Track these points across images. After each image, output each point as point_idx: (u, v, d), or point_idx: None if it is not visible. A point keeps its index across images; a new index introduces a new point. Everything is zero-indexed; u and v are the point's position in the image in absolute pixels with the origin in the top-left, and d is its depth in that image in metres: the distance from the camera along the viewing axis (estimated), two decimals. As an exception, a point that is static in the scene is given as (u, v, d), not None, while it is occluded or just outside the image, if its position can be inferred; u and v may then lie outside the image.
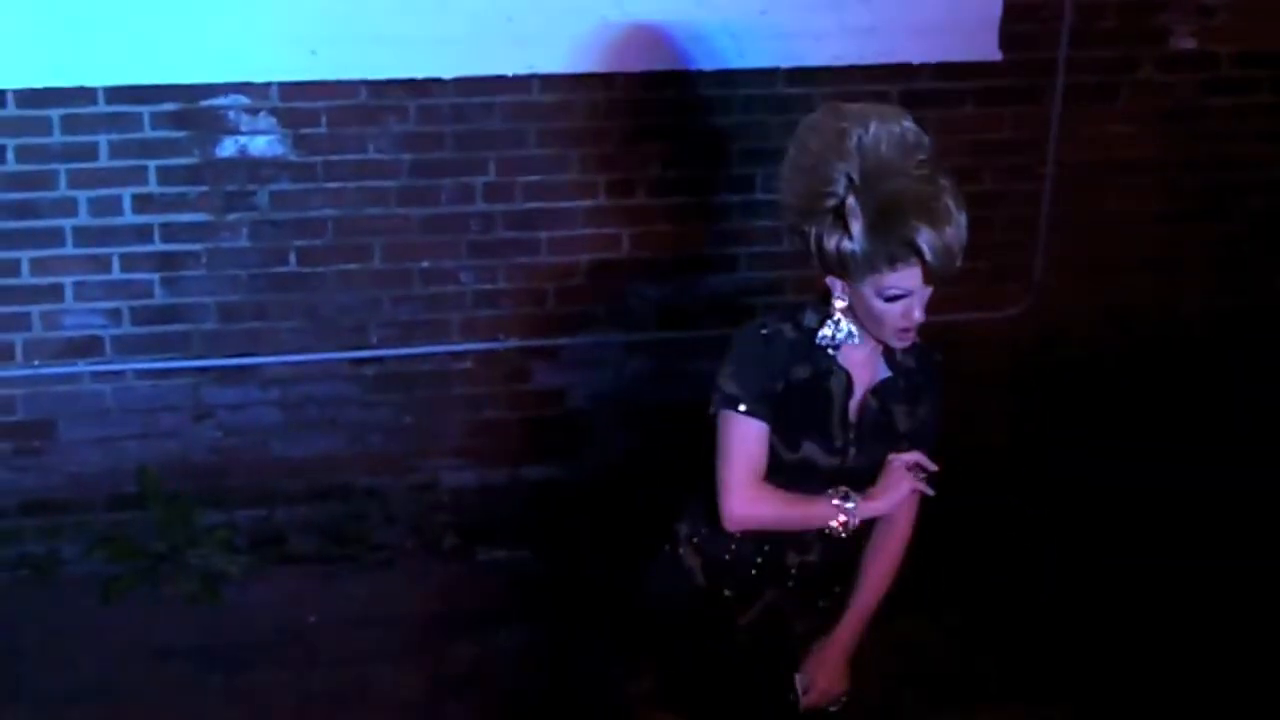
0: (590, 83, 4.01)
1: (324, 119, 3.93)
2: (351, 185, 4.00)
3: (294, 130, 3.93)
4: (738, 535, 2.48)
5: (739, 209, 4.20)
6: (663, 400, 4.24)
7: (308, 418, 4.15)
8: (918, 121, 2.24)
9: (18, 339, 3.95)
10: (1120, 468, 4.22)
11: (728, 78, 4.06)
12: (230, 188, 3.94)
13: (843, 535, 2.41)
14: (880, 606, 2.59)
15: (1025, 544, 4.12)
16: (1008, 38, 4.14)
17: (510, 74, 3.97)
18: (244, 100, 3.89)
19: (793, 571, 2.52)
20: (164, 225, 3.94)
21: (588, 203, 4.12)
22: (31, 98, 3.78)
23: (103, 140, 3.84)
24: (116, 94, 3.81)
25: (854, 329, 2.33)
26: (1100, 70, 4.26)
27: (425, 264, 4.09)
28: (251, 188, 3.96)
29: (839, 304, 2.32)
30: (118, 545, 4.04)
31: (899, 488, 2.40)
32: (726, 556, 2.52)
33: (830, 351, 2.37)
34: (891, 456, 2.42)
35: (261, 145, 3.94)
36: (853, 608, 2.56)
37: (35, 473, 4.05)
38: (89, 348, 3.99)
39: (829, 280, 2.31)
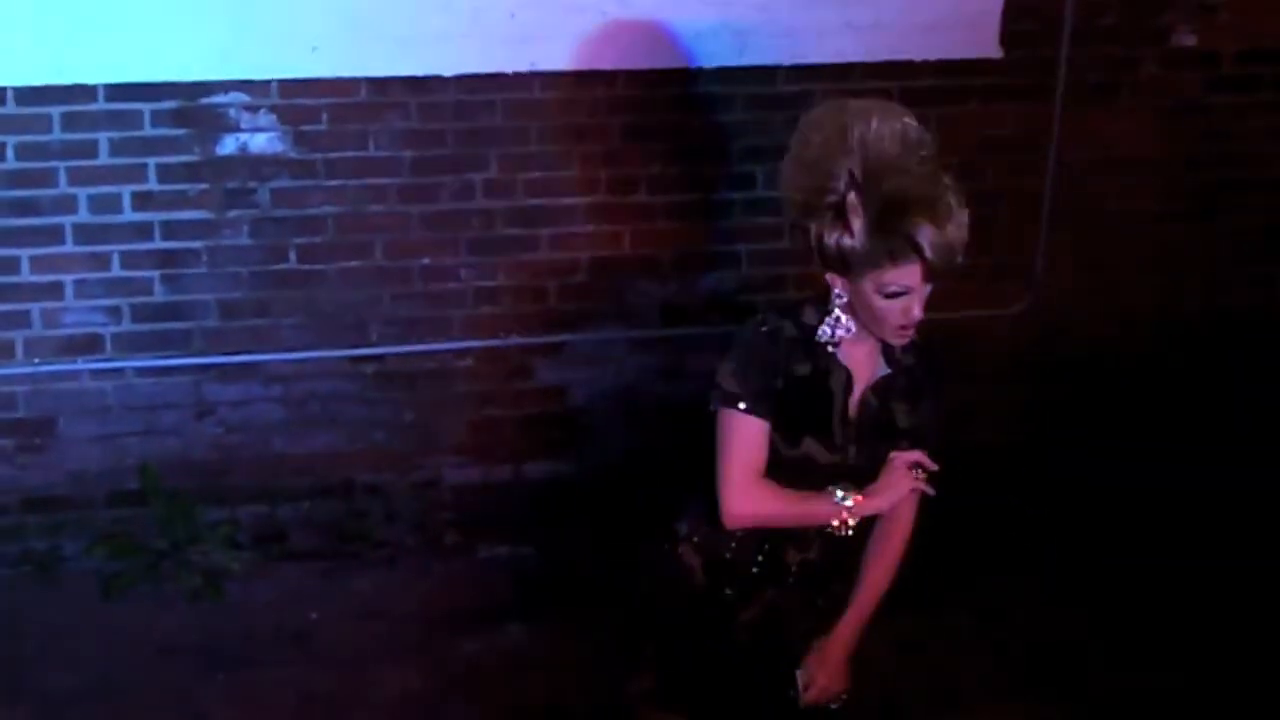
0: (591, 80, 4.00)
1: (325, 116, 3.93)
2: (352, 182, 4.00)
3: (294, 127, 3.93)
4: (738, 533, 2.48)
5: (740, 206, 4.20)
6: (664, 397, 4.25)
7: (309, 415, 4.15)
8: (919, 119, 2.24)
9: (18, 336, 3.95)
10: (1120, 468, 4.22)
11: (729, 75, 4.06)
12: (231, 185, 3.94)
13: (842, 533, 2.41)
14: (880, 605, 2.59)
15: (1025, 544, 4.12)
16: (1009, 35, 4.14)
17: (511, 71, 3.96)
18: (244, 97, 3.89)
19: (793, 570, 2.52)
20: (164, 223, 3.94)
21: (589, 200, 4.12)
22: (31, 95, 3.77)
23: (103, 138, 3.84)
24: (116, 91, 3.81)
25: (854, 326, 2.33)
26: (1102, 68, 4.26)
27: (426, 261, 4.09)
28: (252, 185, 3.96)
29: (839, 301, 2.31)
30: (119, 542, 4.04)
31: (899, 486, 2.40)
32: (727, 555, 2.52)
33: (830, 349, 2.37)
34: (893, 455, 2.42)
35: (262, 142, 3.93)
36: (853, 606, 2.57)
37: (36, 470, 4.05)
38: (89, 345, 3.99)
39: (829, 277, 2.31)
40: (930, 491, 2.42)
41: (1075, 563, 4.06)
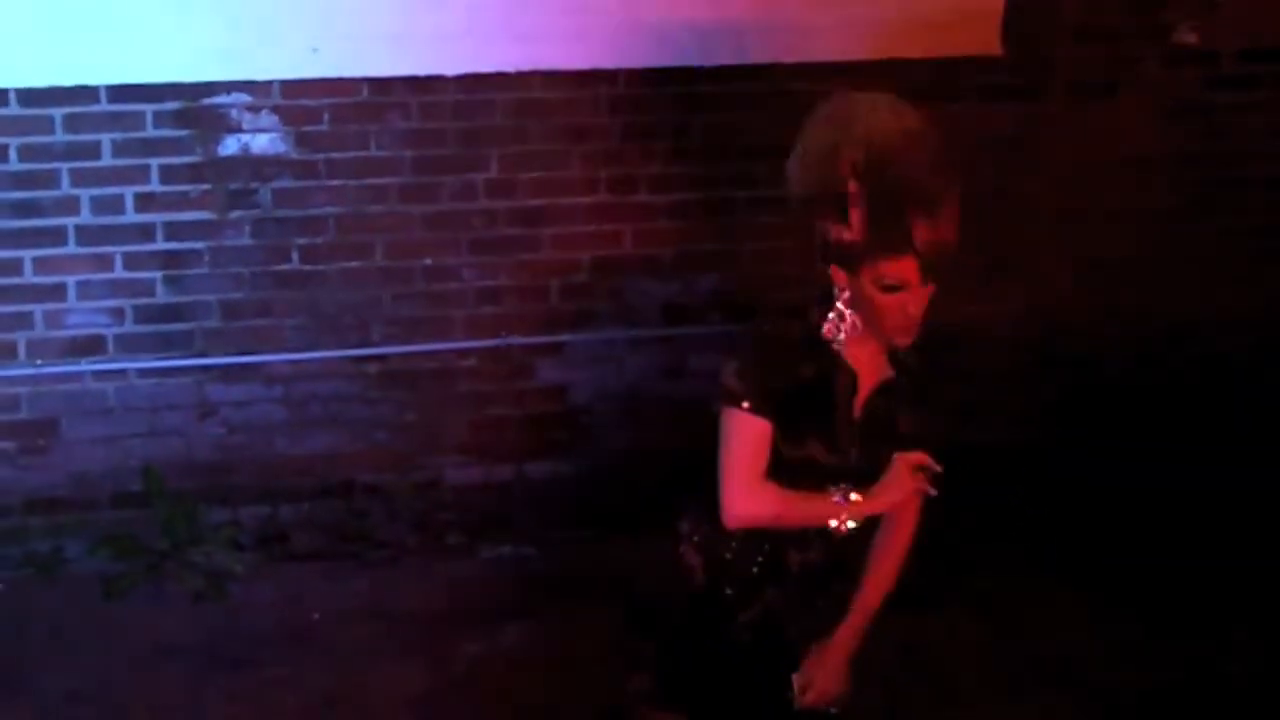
0: (592, 79, 4.01)
1: (326, 116, 3.94)
2: (354, 183, 4.00)
3: (296, 128, 3.94)
4: (739, 534, 2.48)
5: (741, 205, 4.20)
6: (666, 397, 4.25)
7: (311, 415, 4.16)
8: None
9: (21, 338, 3.96)
10: (1120, 468, 4.22)
11: (730, 73, 4.06)
12: (233, 186, 3.95)
13: (844, 534, 2.41)
14: (883, 608, 2.59)
15: (1025, 544, 4.12)
16: (1009, 33, 4.14)
17: (512, 70, 3.97)
18: (246, 98, 3.90)
19: (794, 570, 2.52)
20: (167, 224, 3.95)
21: (590, 199, 4.12)
22: (34, 97, 3.78)
23: (105, 139, 3.85)
24: (119, 93, 3.82)
25: (858, 323, 2.33)
26: (1102, 66, 4.26)
27: (428, 261, 4.09)
28: (254, 186, 3.96)
29: (842, 298, 2.32)
30: (122, 543, 4.05)
31: (901, 486, 2.39)
32: (728, 555, 2.52)
33: (836, 350, 2.37)
34: (897, 456, 2.41)
35: (264, 143, 3.94)
36: (854, 609, 2.56)
37: (39, 471, 4.06)
38: (92, 346, 4.00)
39: (832, 273, 2.31)
40: (934, 493, 2.42)
41: (1075, 563, 4.06)
